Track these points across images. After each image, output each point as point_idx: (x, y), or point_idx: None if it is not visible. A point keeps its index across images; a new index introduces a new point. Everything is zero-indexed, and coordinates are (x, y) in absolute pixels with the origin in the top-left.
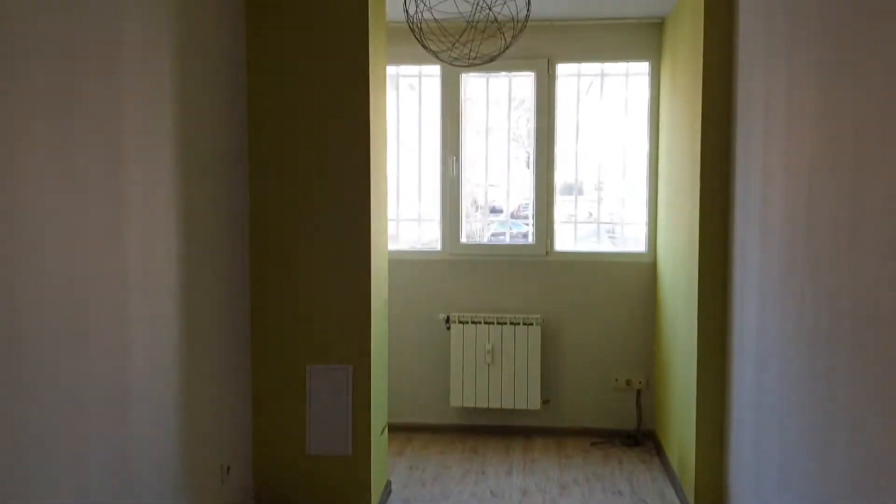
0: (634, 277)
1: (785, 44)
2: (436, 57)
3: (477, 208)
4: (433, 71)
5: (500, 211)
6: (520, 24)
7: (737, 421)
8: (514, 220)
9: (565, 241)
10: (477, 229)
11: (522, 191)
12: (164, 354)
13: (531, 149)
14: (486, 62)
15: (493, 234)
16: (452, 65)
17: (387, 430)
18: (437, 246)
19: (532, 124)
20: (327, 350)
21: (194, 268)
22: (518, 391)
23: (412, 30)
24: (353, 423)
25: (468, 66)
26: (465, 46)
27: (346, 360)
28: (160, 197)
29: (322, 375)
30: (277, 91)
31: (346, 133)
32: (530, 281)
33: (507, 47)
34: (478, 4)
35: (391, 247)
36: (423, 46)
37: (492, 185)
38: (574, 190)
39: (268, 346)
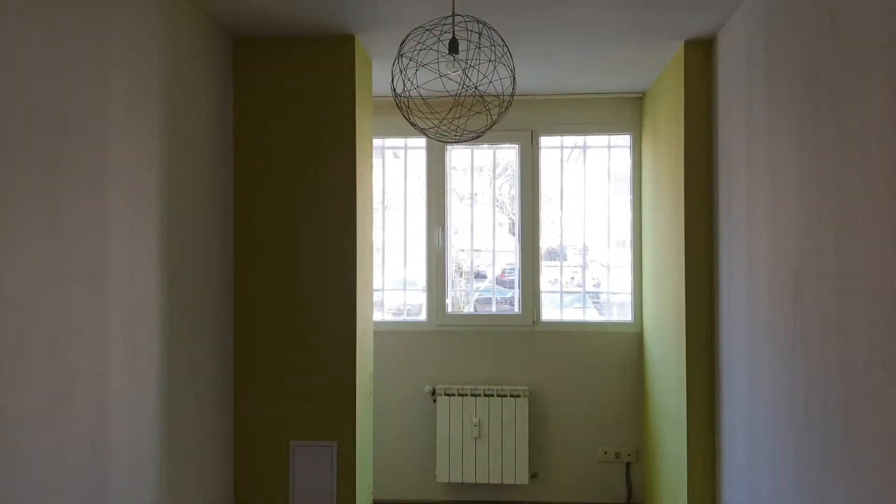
0: (621, 347)
1: (765, 116)
2: (423, 133)
3: (461, 274)
4: (419, 143)
5: (485, 276)
6: (506, 101)
7: (729, 498)
8: (499, 287)
9: (551, 309)
10: (461, 295)
11: (507, 256)
12: (145, 430)
13: (516, 215)
14: (473, 139)
15: (478, 300)
16: (439, 141)
17: None
18: (423, 316)
19: (516, 191)
20: (312, 426)
21: (178, 341)
22: (506, 465)
23: (399, 107)
24: (337, 501)
25: (455, 141)
26: (452, 123)
27: (330, 436)
28: (144, 278)
29: (306, 452)
30: (262, 163)
31: (332, 205)
32: (517, 351)
33: (494, 123)
34: (464, 84)
35: (376, 316)
36: (411, 124)
37: (476, 250)
38: (559, 256)
39: (251, 422)
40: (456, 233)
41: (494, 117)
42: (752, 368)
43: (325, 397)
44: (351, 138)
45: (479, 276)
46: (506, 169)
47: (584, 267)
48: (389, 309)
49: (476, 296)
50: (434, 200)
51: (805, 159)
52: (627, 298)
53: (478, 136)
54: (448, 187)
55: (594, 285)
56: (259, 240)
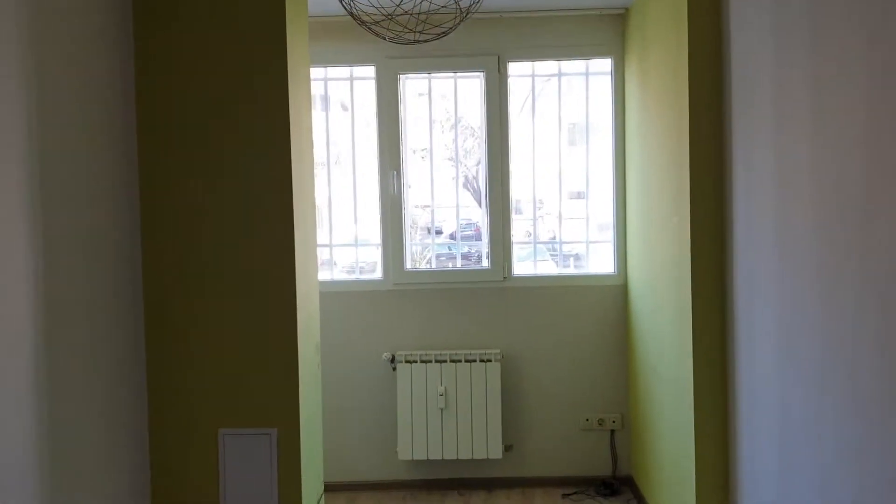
0: (603, 301)
1: (805, 21)
2: (378, 35)
3: (417, 230)
4: (367, 73)
5: (440, 232)
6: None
7: (750, 457)
8: (453, 242)
9: (524, 264)
10: (418, 251)
11: (466, 212)
12: (14, 436)
13: (481, 161)
14: (436, 38)
15: (437, 256)
16: (397, 42)
17: (323, 498)
18: (378, 273)
19: (481, 141)
20: (245, 411)
21: (59, 328)
22: (476, 438)
23: (347, 10)
24: (279, 497)
25: (414, 42)
26: (410, 33)
27: (269, 421)
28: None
29: (239, 442)
30: (173, 107)
31: (262, 152)
32: (487, 311)
33: (463, 19)
34: None
35: (324, 276)
36: (362, 23)
37: (436, 207)
38: (533, 207)
39: (170, 411)
40: (410, 187)
41: (458, 21)
42: (788, 325)
43: (260, 377)
44: (282, 68)
45: (438, 232)
46: (460, 119)
47: (560, 219)
48: (343, 267)
49: (435, 251)
50: (387, 140)
51: (877, 66)
52: (609, 251)
53: (442, 35)
54: (403, 124)
55: (551, 238)
56: (172, 201)
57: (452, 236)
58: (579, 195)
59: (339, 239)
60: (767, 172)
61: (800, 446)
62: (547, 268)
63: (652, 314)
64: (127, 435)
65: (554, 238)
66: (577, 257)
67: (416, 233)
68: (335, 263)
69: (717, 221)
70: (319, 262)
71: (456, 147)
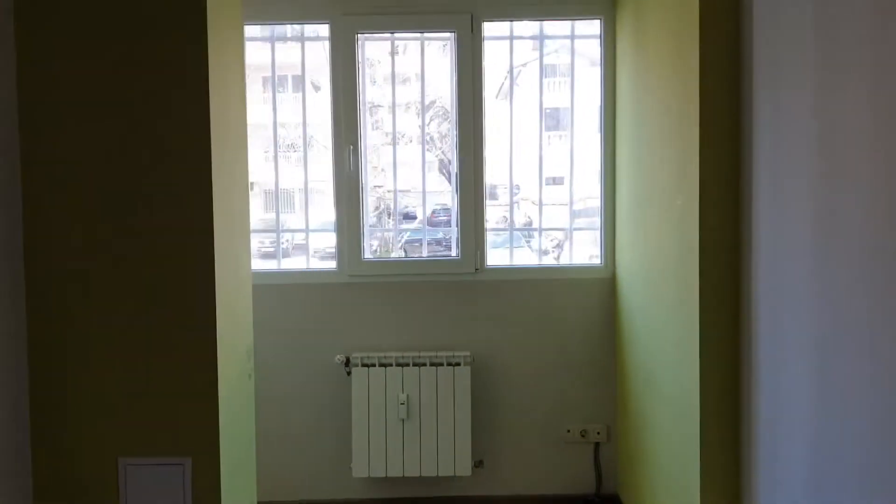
0: (588, 298)
1: None
2: None
3: (389, 215)
4: (321, 31)
5: (414, 217)
6: None
7: (769, 489)
8: (429, 228)
9: (498, 252)
10: (391, 237)
11: (438, 197)
12: None
13: (452, 140)
14: None
15: (407, 242)
16: None
17: None
18: (332, 264)
19: (451, 116)
20: (152, 437)
21: None
22: (443, 453)
23: None
24: None
25: None
26: None
27: (181, 449)
28: None
29: (144, 474)
30: (61, 73)
31: (171, 130)
32: (456, 307)
33: None
34: None
35: (268, 267)
36: None
37: (402, 191)
38: (510, 191)
39: (60, 440)
40: (382, 170)
41: None
42: (829, 343)
43: (170, 396)
44: (198, 24)
45: (409, 216)
46: (434, 102)
47: (540, 205)
48: (315, 252)
49: (405, 237)
50: (342, 109)
51: None
52: (595, 239)
53: None
54: (361, 91)
55: (526, 223)
56: (60, 190)
57: (429, 222)
58: (555, 181)
59: (313, 223)
60: (804, 142)
61: (843, 491)
62: (524, 257)
63: (646, 312)
64: (3, 463)
65: (530, 223)
66: (559, 246)
67: (387, 218)
68: (310, 249)
69: (732, 203)
70: (292, 246)
71: (423, 121)
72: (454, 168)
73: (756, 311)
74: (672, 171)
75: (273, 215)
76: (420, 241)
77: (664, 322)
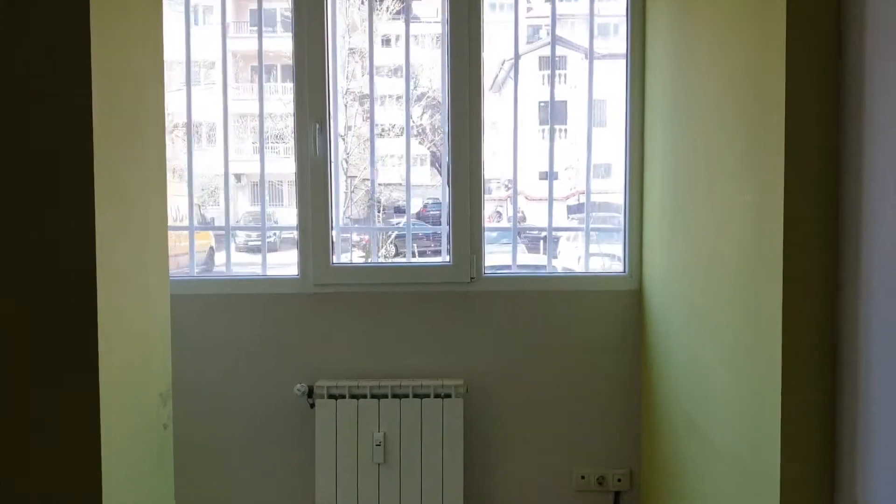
0: (608, 314)
1: None
2: None
3: (380, 209)
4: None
5: (403, 212)
6: None
7: None
8: (420, 222)
9: (498, 257)
10: (381, 235)
11: (431, 191)
12: None
13: (444, 121)
14: None
15: (399, 237)
16: None
17: None
18: (293, 270)
19: (442, 107)
20: None
21: None
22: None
23: None
24: None
25: None
26: None
27: None
28: None
29: None
30: None
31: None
32: (446, 324)
33: None
34: None
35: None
36: None
37: (394, 184)
38: (512, 185)
39: None
40: (383, 163)
41: None
42: None
43: (27, 477)
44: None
45: (400, 210)
46: (423, 95)
47: (550, 203)
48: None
49: (394, 234)
50: (308, 81)
51: None
52: (618, 242)
53: None
54: (330, 57)
55: (520, 219)
56: None
57: (420, 216)
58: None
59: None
60: None
61: None
62: (528, 259)
63: (687, 336)
64: None
65: (523, 219)
66: (607, 255)
67: (378, 212)
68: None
69: (828, 202)
70: (280, 240)
71: (407, 95)
72: (445, 156)
73: (867, 352)
74: (736, 162)
75: (259, 208)
76: (413, 235)
77: (716, 352)
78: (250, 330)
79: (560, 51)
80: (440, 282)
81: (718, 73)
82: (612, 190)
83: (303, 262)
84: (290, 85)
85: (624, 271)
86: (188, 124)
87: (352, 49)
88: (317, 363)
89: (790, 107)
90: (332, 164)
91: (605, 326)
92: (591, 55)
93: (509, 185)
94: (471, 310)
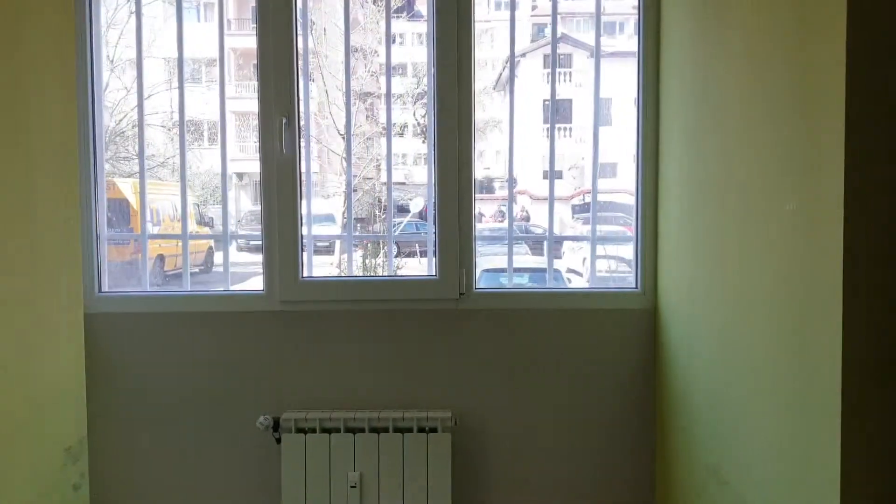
0: (617, 337)
1: None
2: None
3: (381, 208)
4: None
5: (407, 210)
6: None
7: None
8: (423, 222)
9: (500, 260)
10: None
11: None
12: None
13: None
14: None
15: (399, 236)
16: None
17: None
18: (258, 285)
19: (430, 113)
20: None
21: None
22: None
23: None
24: None
25: None
26: None
27: None
28: None
29: None
30: None
31: None
32: (432, 347)
33: None
34: None
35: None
36: None
37: (397, 184)
38: (508, 185)
39: None
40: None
41: None
42: None
43: None
44: None
45: (403, 210)
46: (425, 94)
47: (550, 205)
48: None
49: (397, 232)
50: (271, 59)
51: None
52: (628, 254)
53: None
54: (300, 42)
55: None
56: None
57: (422, 216)
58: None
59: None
60: None
61: None
62: (531, 261)
63: (715, 368)
64: None
65: (527, 218)
66: (616, 270)
67: (379, 212)
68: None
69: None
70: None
71: (388, 73)
72: (431, 157)
73: None
74: (779, 167)
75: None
76: (415, 235)
77: (752, 390)
78: (207, 353)
79: (565, 49)
80: (425, 298)
81: (757, 68)
82: (619, 189)
83: (268, 275)
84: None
85: (636, 287)
86: (180, 123)
87: (354, 48)
88: (284, 392)
89: (851, 102)
90: (303, 163)
91: (613, 352)
92: (597, 53)
93: (514, 184)
94: (460, 331)
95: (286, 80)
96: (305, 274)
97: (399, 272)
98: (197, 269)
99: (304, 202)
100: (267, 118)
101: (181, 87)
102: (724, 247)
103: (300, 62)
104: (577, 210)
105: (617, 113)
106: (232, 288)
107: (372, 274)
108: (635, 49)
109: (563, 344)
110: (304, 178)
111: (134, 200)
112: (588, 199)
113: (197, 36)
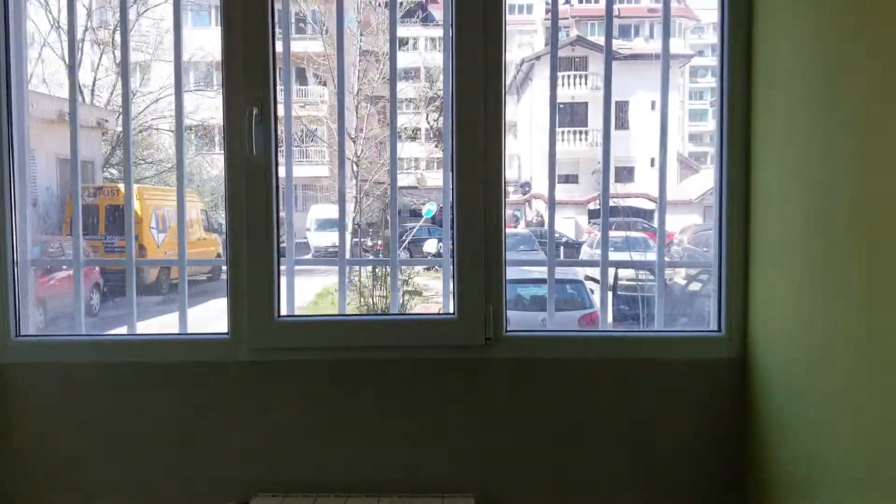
0: (690, 396)
1: None
2: None
3: (392, 211)
4: None
5: (419, 215)
6: None
7: None
8: (436, 227)
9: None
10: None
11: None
12: None
13: (448, 145)
14: None
15: (411, 243)
16: None
17: None
18: (222, 326)
19: (446, 122)
20: None
21: None
22: None
23: None
24: None
25: None
26: None
27: None
28: None
29: None
30: None
31: None
32: (450, 410)
33: None
34: None
35: (100, 333)
36: None
37: (400, 187)
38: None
39: None
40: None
41: None
42: None
43: None
44: None
45: (415, 213)
46: (437, 97)
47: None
48: (317, 251)
49: (408, 238)
50: (241, 38)
51: None
52: (704, 289)
53: None
54: (277, 10)
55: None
56: None
57: (435, 221)
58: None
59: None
60: None
61: None
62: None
63: (848, 454)
64: None
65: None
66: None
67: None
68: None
69: None
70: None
71: (392, 95)
72: (449, 172)
73: None
74: None
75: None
76: (425, 239)
77: None
78: (155, 418)
79: (580, 51)
80: (441, 345)
81: None
82: (637, 193)
83: (234, 314)
84: (307, 88)
85: (718, 329)
86: (177, 127)
87: (365, 51)
88: (253, 469)
89: None
90: (276, 166)
91: (685, 416)
92: (608, 55)
93: (527, 189)
94: (486, 387)
95: (258, 59)
96: (283, 311)
97: (408, 310)
98: (205, 277)
99: (283, 214)
100: (232, 108)
101: (178, 92)
102: (856, 280)
103: (277, 34)
104: (593, 214)
105: (634, 116)
106: (191, 330)
107: (367, 315)
108: (650, 51)
109: (619, 404)
110: (282, 185)
111: (138, 207)
112: (611, 203)
113: (212, 39)
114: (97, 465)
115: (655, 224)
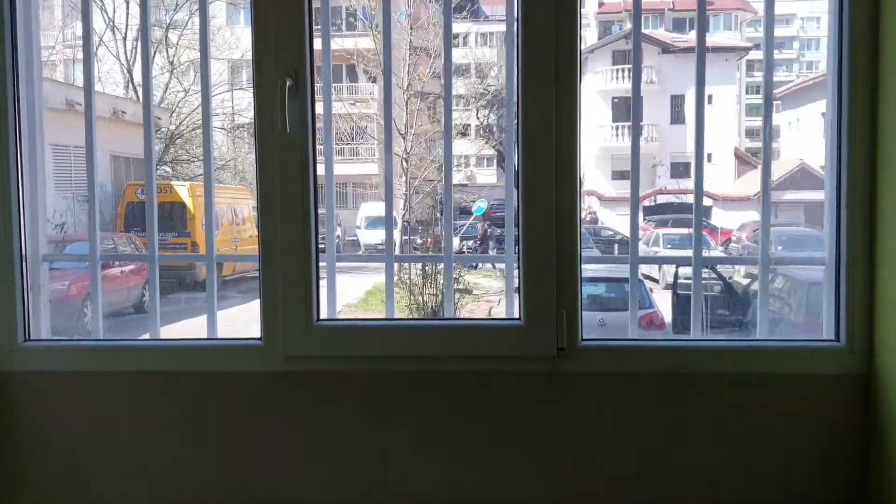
0: (804, 419)
1: None
2: None
3: (441, 211)
4: None
5: (470, 213)
6: None
7: None
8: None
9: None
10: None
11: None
12: None
13: (512, 138)
14: None
15: (463, 240)
16: None
17: None
18: (255, 331)
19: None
20: None
21: None
22: None
23: None
24: None
25: None
26: None
27: None
28: None
29: None
30: None
31: None
32: (516, 430)
33: None
34: None
35: (118, 338)
36: None
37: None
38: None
39: None
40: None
41: None
42: None
43: None
44: None
45: (465, 211)
46: (487, 92)
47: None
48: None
49: (461, 234)
50: (273, 9)
51: None
52: (819, 291)
53: None
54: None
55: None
56: None
57: (486, 217)
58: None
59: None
60: None
61: None
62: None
63: None
64: None
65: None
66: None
67: (440, 214)
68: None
69: None
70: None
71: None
72: (513, 160)
73: None
74: None
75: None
76: (474, 237)
77: None
78: (176, 434)
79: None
80: (505, 355)
81: None
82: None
83: (267, 318)
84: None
85: (837, 339)
86: (204, 127)
87: (415, 46)
88: (286, 493)
89: None
90: (314, 148)
91: (798, 442)
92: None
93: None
94: (559, 407)
95: (293, 20)
96: (323, 315)
97: (459, 309)
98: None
99: (314, 204)
100: (264, 77)
101: (206, 91)
102: None
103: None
104: (648, 212)
105: (690, 110)
106: (241, 328)
107: (419, 320)
108: (710, 44)
109: (718, 427)
110: (322, 170)
111: (191, 204)
112: (660, 199)
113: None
114: (125, 479)
115: (713, 221)
